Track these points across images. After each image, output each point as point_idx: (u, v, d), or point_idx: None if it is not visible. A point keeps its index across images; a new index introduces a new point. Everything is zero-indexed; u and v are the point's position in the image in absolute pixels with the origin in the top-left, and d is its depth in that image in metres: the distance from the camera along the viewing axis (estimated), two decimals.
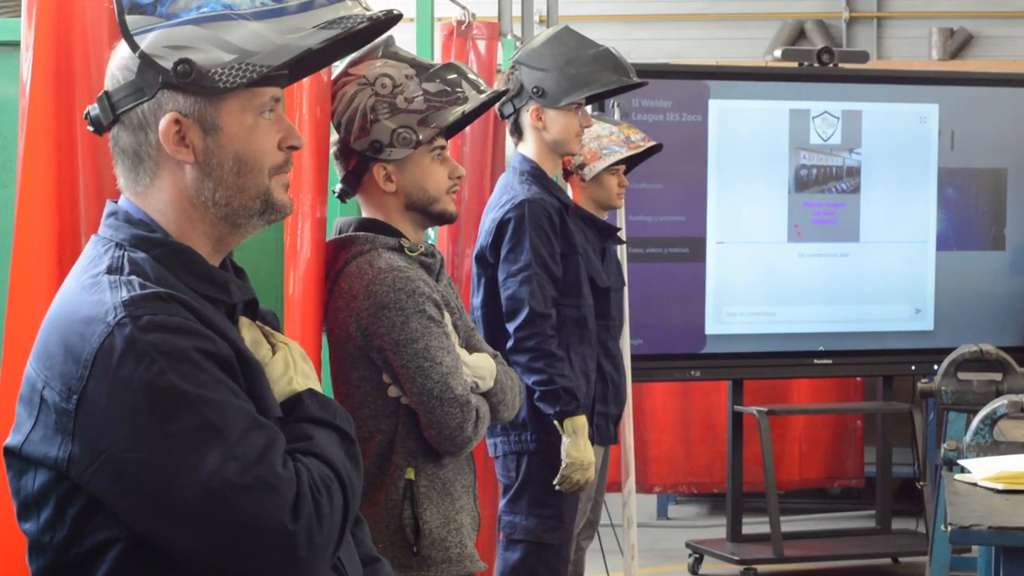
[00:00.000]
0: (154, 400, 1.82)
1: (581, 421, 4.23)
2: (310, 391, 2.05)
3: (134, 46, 1.96)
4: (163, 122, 1.97)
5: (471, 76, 3.18)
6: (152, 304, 1.87)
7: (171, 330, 1.86)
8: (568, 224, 4.40)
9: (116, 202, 2.05)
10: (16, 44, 2.61)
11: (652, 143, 4.99)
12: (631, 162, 5.05)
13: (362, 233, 3.13)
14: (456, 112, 3.11)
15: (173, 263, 1.97)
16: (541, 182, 4.37)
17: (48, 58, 2.50)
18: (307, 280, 2.99)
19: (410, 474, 3.03)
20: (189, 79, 1.94)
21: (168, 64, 1.94)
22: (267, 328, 2.12)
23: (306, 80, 2.93)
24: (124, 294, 1.88)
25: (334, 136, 3.16)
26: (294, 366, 2.06)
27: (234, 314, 2.06)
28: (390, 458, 3.04)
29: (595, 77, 4.37)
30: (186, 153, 1.98)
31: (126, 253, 1.96)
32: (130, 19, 1.97)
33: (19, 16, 2.60)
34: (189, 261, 1.99)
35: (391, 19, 2.09)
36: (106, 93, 2.00)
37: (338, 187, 3.20)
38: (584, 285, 4.43)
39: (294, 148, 2.06)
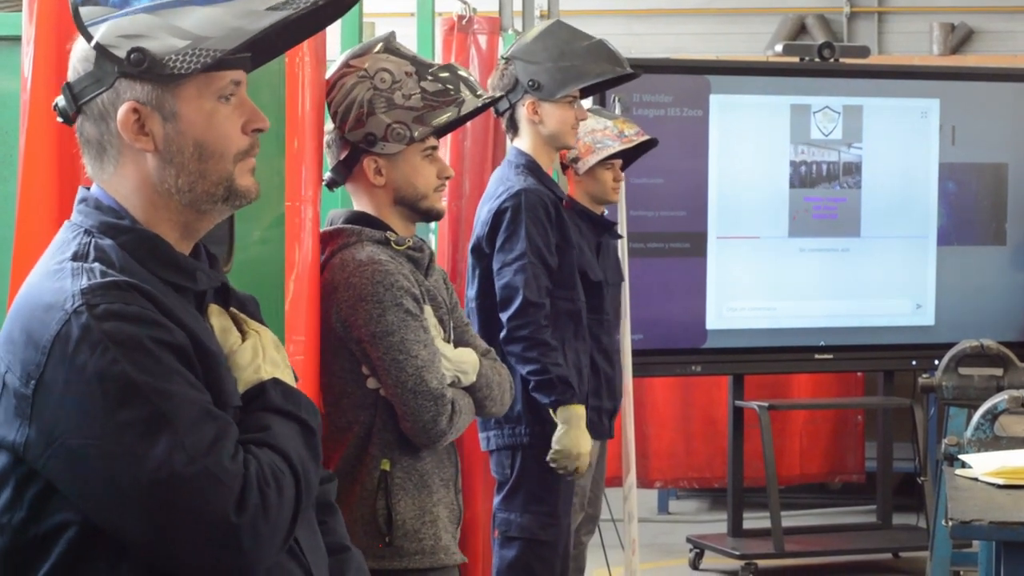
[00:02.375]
0: (106, 388, 1.83)
1: (576, 410, 4.22)
2: (274, 380, 2.04)
3: (88, 37, 1.97)
4: (120, 111, 1.98)
5: (469, 79, 3.23)
6: (110, 292, 1.88)
7: (126, 319, 1.87)
8: (563, 217, 4.40)
9: (88, 188, 2.06)
10: (17, 39, 2.61)
11: (645, 138, 4.96)
12: (629, 157, 5.05)
13: (349, 226, 3.16)
14: (451, 113, 3.14)
15: (140, 250, 1.98)
16: (536, 174, 4.38)
17: (49, 53, 2.50)
18: (311, 272, 3.00)
19: (385, 465, 3.06)
20: (143, 67, 1.95)
21: (122, 53, 1.95)
22: (240, 315, 2.11)
23: (307, 75, 2.93)
24: (84, 282, 1.89)
25: (328, 125, 3.18)
26: (263, 354, 2.05)
27: (203, 301, 2.06)
28: (367, 449, 3.07)
29: (589, 68, 4.38)
30: (145, 141, 1.99)
31: (93, 240, 1.97)
32: (84, 10, 1.98)
33: (20, 11, 2.60)
34: (155, 248, 2.00)
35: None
36: (68, 84, 2.01)
37: (328, 176, 3.21)
38: (578, 278, 4.43)
39: (259, 131, 2.05)
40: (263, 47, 2.08)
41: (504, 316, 4.24)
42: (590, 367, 4.52)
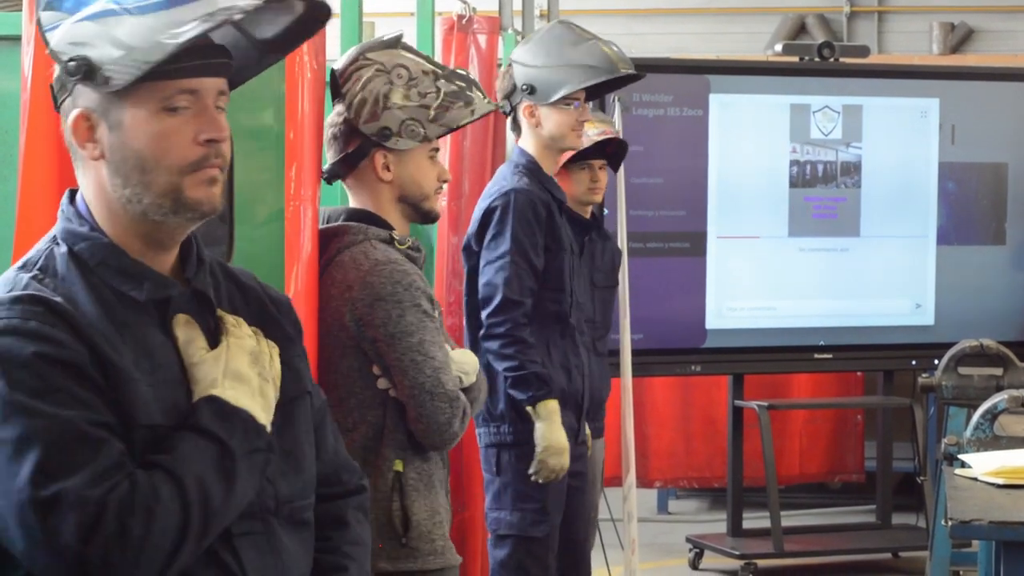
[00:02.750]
0: None
1: (552, 406, 4.22)
2: (209, 398, 1.96)
3: (45, 42, 1.96)
4: (70, 118, 1.97)
5: (476, 81, 3.24)
6: (13, 307, 1.88)
7: (20, 334, 1.86)
8: (557, 219, 4.40)
9: (73, 193, 2.05)
10: (17, 38, 2.61)
11: (602, 138, 4.91)
12: (614, 158, 5.03)
13: (354, 223, 3.15)
14: (465, 115, 3.15)
15: (93, 257, 1.97)
16: (534, 175, 4.38)
17: None
18: (309, 270, 3.00)
19: (399, 466, 3.06)
20: (79, 76, 1.93)
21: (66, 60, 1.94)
22: (228, 321, 2.05)
23: (307, 75, 2.93)
24: (1, 295, 1.90)
25: (332, 118, 3.18)
26: (224, 368, 1.98)
27: (167, 310, 2.01)
28: (379, 450, 3.06)
29: (583, 72, 4.37)
30: (92, 149, 1.97)
31: (52, 248, 1.98)
32: (43, 15, 1.97)
33: (20, 11, 2.60)
34: (107, 256, 1.98)
35: (316, 7, 2.03)
36: (50, 86, 2.01)
37: (327, 167, 3.20)
38: (567, 281, 4.43)
39: (214, 142, 1.98)
40: (245, 59, 2.05)
41: (484, 313, 4.27)
42: None
